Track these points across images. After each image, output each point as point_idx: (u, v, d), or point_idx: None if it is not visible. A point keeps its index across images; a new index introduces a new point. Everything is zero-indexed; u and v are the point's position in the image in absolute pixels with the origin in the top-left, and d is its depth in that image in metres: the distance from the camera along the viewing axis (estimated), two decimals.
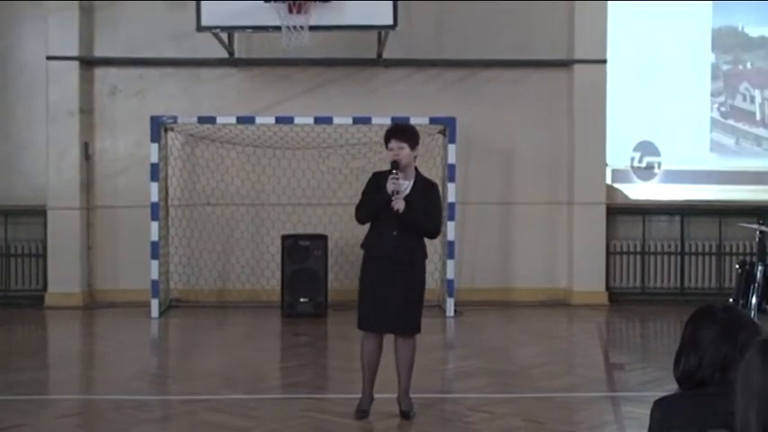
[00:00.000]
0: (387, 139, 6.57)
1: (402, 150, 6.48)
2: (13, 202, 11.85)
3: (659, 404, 2.92)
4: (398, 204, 6.41)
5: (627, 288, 12.18)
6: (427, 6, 11.69)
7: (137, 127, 11.61)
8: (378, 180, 6.59)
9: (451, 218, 11.04)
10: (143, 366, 8.69)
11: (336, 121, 11.02)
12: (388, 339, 6.68)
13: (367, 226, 6.68)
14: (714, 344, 2.86)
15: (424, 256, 6.68)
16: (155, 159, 10.94)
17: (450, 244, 11.08)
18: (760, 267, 8.89)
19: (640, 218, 12.22)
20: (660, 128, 12.27)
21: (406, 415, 6.59)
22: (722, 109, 12.44)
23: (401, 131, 6.62)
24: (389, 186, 6.42)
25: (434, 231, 6.68)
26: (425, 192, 6.59)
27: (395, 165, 6.45)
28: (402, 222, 6.45)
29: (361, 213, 6.61)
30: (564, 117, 11.93)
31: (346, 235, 11.35)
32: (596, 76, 11.73)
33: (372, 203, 6.52)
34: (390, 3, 10.06)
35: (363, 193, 6.67)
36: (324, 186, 11.77)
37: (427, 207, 6.55)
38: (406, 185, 6.51)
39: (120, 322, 10.77)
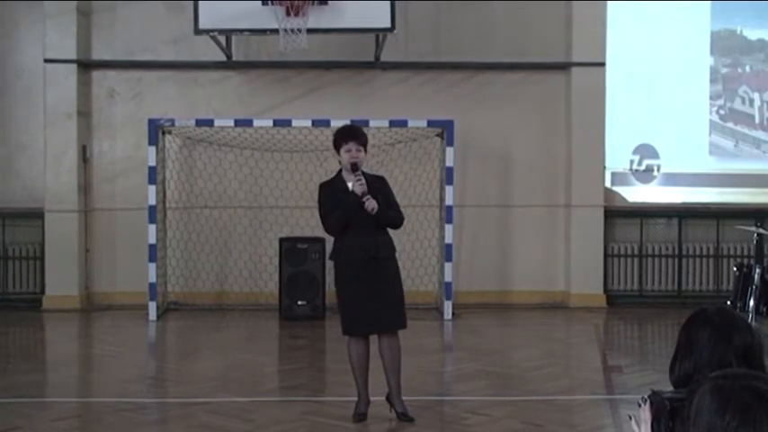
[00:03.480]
0: (343, 141, 6.60)
1: (359, 153, 6.56)
2: (10, 205, 11.84)
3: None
4: (372, 204, 6.48)
5: (625, 291, 12.16)
6: (425, 9, 11.69)
7: (134, 130, 11.61)
8: (330, 189, 6.68)
9: (449, 221, 11.04)
10: (141, 369, 8.69)
11: (334, 123, 10.92)
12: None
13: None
14: (708, 347, 2.85)
15: (394, 249, 6.78)
16: (152, 162, 10.94)
17: (448, 247, 11.07)
18: (757, 270, 8.89)
19: (638, 221, 12.20)
20: (659, 131, 12.26)
21: (405, 416, 6.57)
22: (721, 112, 12.43)
23: (360, 135, 6.67)
24: (358, 189, 6.48)
25: (401, 221, 6.79)
26: (379, 186, 6.68)
27: (355, 167, 6.51)
28: (377, 220, 6.51)
29: (334, 223, 6.60)
30: (562, 120, 11.92)
31: None
32: (594, 79, 11.71)
33: (344, 210, 6.53)
34: (388, 5, 10.05)
35: (322, 206, 6.68)
36: None
37: (388, 200, 6.66)
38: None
39: (117, 325, 10.76)
